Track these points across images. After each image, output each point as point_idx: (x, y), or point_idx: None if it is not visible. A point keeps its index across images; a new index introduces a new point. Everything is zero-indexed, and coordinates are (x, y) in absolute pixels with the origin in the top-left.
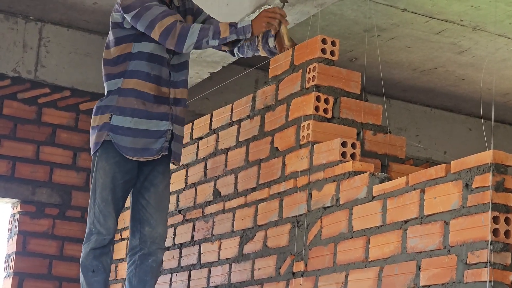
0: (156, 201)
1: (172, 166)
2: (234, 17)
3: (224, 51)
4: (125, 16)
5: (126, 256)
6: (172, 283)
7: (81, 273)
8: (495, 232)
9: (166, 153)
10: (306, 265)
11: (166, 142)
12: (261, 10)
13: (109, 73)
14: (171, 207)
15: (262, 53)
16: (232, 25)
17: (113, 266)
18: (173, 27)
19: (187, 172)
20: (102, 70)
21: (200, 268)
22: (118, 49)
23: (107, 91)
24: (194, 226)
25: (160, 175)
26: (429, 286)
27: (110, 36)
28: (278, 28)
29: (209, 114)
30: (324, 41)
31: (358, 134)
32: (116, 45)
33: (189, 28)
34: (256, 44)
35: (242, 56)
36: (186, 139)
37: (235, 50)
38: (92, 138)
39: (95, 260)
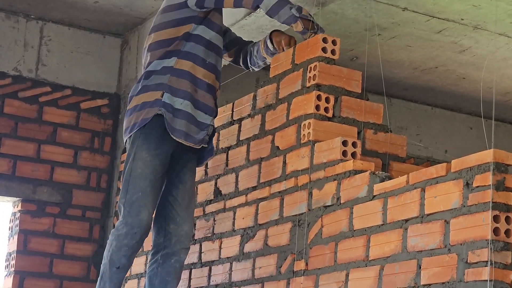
0: (183, 198)
1: None
2: (235, 16)
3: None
4: None
5: (148, 252)
6: None
7: (105, 263)
8: (495, 231)
9: (206, 145)
10: (306, 264)
11: (207, 136)
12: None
13: (157, 55)
14: None
15: (268, 58)
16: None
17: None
18: None
19: None
20: (145, 57)
21: (201, 267)
22: (175, 31)
23: (151, 71)
24: (194, 225)
25: (189, 172)
26: (429, 285)
27: (164, 18)
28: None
29: None
30: (325, 40)
31: (358, 133)
32: (173, 26)
33: None
34: (260, 51)
35: (255, 69)
36: None
37: (250, 64)
38: (134, 117)
39: (124, 259)
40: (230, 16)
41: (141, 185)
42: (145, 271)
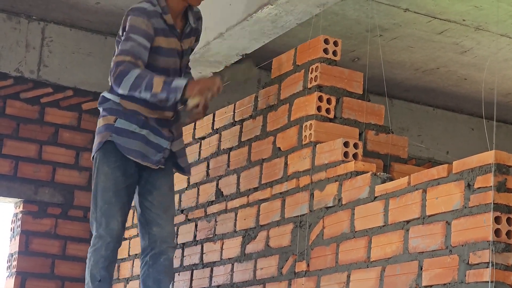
0: (160, 202)
1: None
2: (237, 17)
3: None
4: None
5: (135, 257)
6: (174, 283)
7: (87, 281)
8: (497, 232)
9: (164, 166)
10: (308, 265)
11: (163, 158)
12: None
13: None
14: None
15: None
16: (166, 82)
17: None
18: (119, 65)
19: None
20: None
21: (203, 268)
22: None
23: (107, 97)
24: (196, 226)
25: (162, 178)
26: (431, 286)
27: (117, 47)
28: (206, 101)
29: (212, 114)
30: (326, 41)
31: (360, 134)
32: None
33: (129, 71)
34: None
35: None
36: (188, 139)
37: None
38: (96, 138)
39: (103, 270)
40: (230, 18)
41: (106, 197)
42: (132, 275)
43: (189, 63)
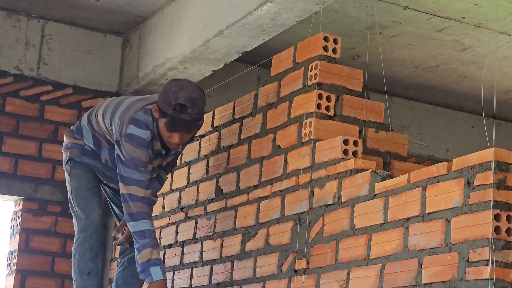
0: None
1: None
2: (236, 15)
3: None
4: (116, 146)
5: (118, 257)
6: (174, 281)
7: (75, 277)
8: (496, 230)
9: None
10: (308, 263)
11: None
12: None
13: (96, 134)
14: (173, 204)
15: None
16: (149, 261)
17: (115, 263)
18: (139, 200)
19: (189, 169)
20: (100, 122)
21: (202, 266)
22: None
23: (86, 131)
24: (196, 223)
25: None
26: (430, 283)
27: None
28: None
29: (211, 112)
30: (326, 39)
31: (360, 131)
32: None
33: (139, 217)
34: None
35: None
36: None
37: None
38: (65, 153)
39: (90, 262)
40: (230, 15)
41: (82, 194)
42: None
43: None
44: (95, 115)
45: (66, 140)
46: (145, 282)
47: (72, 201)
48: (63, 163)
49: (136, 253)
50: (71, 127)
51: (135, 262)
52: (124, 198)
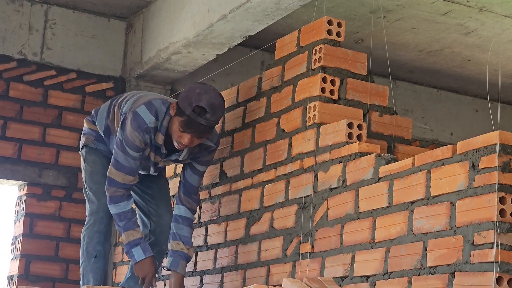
0: (160, 194)
1: None
2: (237, 1)
3: None
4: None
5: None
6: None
7: (83, 259)
8: (501, 212)
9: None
10: (312, 246)
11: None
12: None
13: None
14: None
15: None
16: (134, 242)
17: (120, 248)
18: (115, 185)
19: None
20: (113, 113)
21: (207, 250)
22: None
23: (100, 118)
24: (200, 207)
25: (158, 174)
26: (435, 267)
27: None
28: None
29: None
30: (330, 23)
31: (364, 115)
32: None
33: (116, 200)
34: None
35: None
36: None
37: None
38: (82, 138)
39: (98, 245)
40: (226, 5)
41: (96, 179)
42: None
43: (198, 187)
44: (115, 103)
45: (84, 125)
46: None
47: (85, 185)
48: (80, 148)
49: (120, 231)
50: (93, 110)
51: (152, 248)
52: (108, 181)
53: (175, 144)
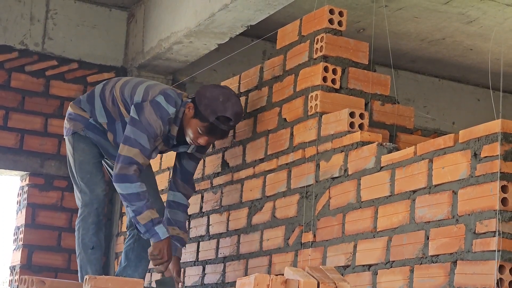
0: (148, 180)
1: None
2: None
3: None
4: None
5: (126, 230)
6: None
7: (79, 251)
8: (503, 201)
9: None
10: (314, 236)
11: None
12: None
13: (111, 111)
14: None
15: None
16: (153, 221)
17: (122, 238)
18: (131, 162)
19: None
20: (116, 99)
21: (209, 239)
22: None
23: (98, 104)
24: (202, 197)
25: None
26: (437, 255)
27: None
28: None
29: None
30: (331, 12)
31: (366, 104)
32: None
33: (133, 179)
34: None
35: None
36: None
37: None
38: (68, 123)
39: (94, 236)
40: None
41: (87, 168)
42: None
43: (193, 174)
44: (111, 89)
45: (70, 109)
46: (151, 240)
47: (75, 174)
48: (66, 133)
49: (132, 214)
50: (79, 97)
51: None
52: (123, 159)
53: (189, 140)
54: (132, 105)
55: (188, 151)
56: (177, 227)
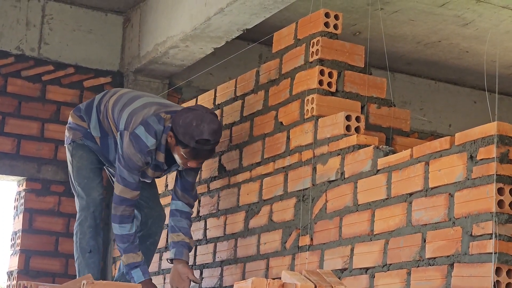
0: (149, 186)
1: None
2: None
3: None
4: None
5: None
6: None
7: (77, 255)
8: (500, 203)
9: None
10: (311, 239)
11: None
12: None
13: (109, 131)
14: None
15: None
16: (133, 265)
17: None
18: (125, 203)
19: None
20: (108, 121)
21: (206, 243)
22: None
23: (94, 116)
24: (199, 201)
25: None
26: (434, 258)
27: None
28: None
29: (213, 90)
30: (327, 15)
31: (362, 107)
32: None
33: (121, 221)
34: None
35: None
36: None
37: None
38: (68, 132)
39: (91, 240)
40: None
41: (84, 174)
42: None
43: (194, 184)
44: (106, 102)
45: (70, 119)
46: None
47: (73, 181)
48: (66, 141)
49: (120, 251)
50: (79, 105)
51: (145, 241)
52: (114, 198)
53: (181, 164)
54: (118, 132)
55: (180, 169)
56: (181, 233)
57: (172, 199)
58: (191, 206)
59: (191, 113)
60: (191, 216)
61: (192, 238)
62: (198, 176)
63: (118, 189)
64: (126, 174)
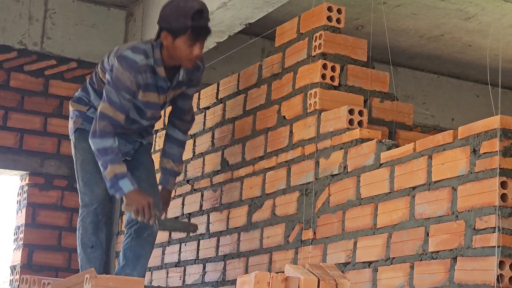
0: (147, 176)
1: None
2: None
3: None
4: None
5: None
6: (181, 253)
7: (80, 251)
8: (503, 197)
9: (131, 158)
10: (314, 233)
11: (133, 150)
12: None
13: (99, 88)
14: (180, 177)
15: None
16: (117, 176)
17: (122, 237)
18: (103, 118)
19: (194, 142)
20: (95, 78)
21: (209, 238)
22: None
23: (89, 91)
24: (202, 195)
25: (144, 154)
26: (437, 252)
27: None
28: (148, 222)
29: (216, 84)
30: (330, 9)
31: (365, 101)
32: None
33: (102, 135)
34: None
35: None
36: (193, 109)
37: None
38: (70, 122)
39: (93, 236)
40: None
41: (87, 168)
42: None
43: (189, 110)
44: (95, 72)
45: (70, 108)
46: (117, 196)
47: (77, 174)
48: (70, 133)
49: (101, 169)
50: (75, 93)
51: (142, 232)
52: (97, 115)
53: (187, 62)
54: (108, 70)
55: (180, 79)
56: (171, 159)
57: (169, 123)
58: (184, 132)
59: (173, 1)
60: (185, 143)
61: (182, 163)
62: (201, 170)
63: (102, 105)
64: (113, 93)
